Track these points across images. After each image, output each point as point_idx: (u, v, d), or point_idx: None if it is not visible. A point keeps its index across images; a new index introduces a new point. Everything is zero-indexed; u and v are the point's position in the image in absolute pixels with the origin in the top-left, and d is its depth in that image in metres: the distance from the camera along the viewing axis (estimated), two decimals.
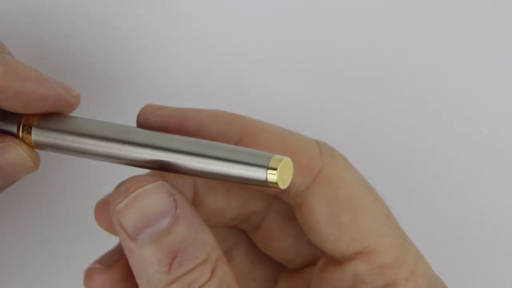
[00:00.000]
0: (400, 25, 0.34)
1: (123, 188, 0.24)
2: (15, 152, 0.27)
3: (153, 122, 0.26)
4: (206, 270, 0.24)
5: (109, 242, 0.35)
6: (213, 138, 0.26)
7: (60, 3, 0.33)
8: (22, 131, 0.27)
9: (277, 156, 0.23)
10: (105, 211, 0.26)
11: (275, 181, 0.22)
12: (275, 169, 0.22)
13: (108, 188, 0.34)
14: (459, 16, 0.34)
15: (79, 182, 0.35)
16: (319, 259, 0.29)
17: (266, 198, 0.29)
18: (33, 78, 0.27)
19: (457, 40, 0.34)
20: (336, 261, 0.28)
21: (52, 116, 0.28)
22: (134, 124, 0.27)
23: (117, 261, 0.27)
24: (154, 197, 0.24)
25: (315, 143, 0.27)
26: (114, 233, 0.26)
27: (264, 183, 0.23)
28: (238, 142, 0.26)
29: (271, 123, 0.27)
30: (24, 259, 0.35)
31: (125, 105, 0.34)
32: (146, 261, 0.24)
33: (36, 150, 0.28)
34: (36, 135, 0.27)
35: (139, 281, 0.24)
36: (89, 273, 0.27)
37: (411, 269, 0.27)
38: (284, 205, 0.29)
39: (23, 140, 0.28)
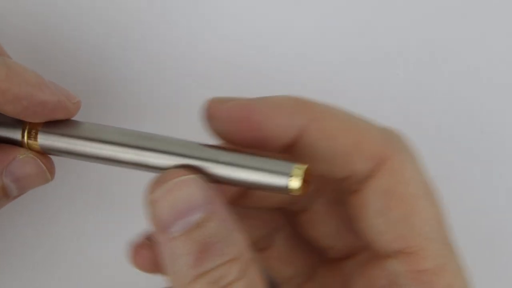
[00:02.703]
0: (400, 25, 0.34)
1: (158, 179, 0.25)
2: (35, 165, 0.28)
3: (219, 116, 0.26)
4: (234, 269, 0.24)
5: (111, 243, 0.35)
6: (278, 127, 0.26)
7: (62, 3, 0.34)
8: (28, 137, 0.28)
9: (298, 165, 0.24)
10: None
11: (297, 187, 0.24)
12: (296, 176, 0.24)
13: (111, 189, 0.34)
14: (459, 16, 0.34)
15: (80, 183, 0.35)
16: (360, 251, 0.29)
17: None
18: (33, 83, 0.27)
19: (458, 40, 0.34)
20: (377, 256, 0.27)
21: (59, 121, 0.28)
22: (138, 126, 0.28)
23: None
24: (188, 190, 0.24)
25: (384, 132, 0.27)
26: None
27: (285, 191, 0.24)
28: (304, 130, 0.26)
29: (338, 108, 0.27)
30: (30, 262, 0.35)
31: (125, 106, 0.35)
32: (175, 253, 0.24)
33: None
34: (43, 140, 0.27)
35: (167, 272, 0.24)
36: (135, 247, 0.27)
37: (449, 281, 0.26)
38: (332, 190, 0.29)
39: (28, 145, 0.28)
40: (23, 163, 0.28)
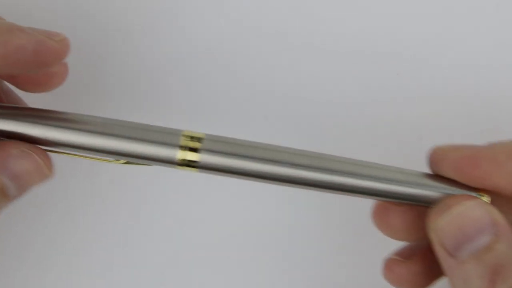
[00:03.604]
0: (400, 25, 0.34)
1: (442, 206, 0.25)
2: (32, 160, 0.26)
3: (445, 165, 0.26)
4: None
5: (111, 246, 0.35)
6: (509, 176, 0.25)
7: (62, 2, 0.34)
8: (186, 156, 0.26)
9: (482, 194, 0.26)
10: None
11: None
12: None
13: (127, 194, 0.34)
14: (459, 16, 0.34)
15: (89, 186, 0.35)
16: None
17: None
18: (4, 29, 0.25)
19: (457, 38, 0.34)
20: None
21: (216, 139, 0.27)
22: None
23: (414, 254, 0.27)
24: (474, 214, 0.24)
25: None
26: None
27: None
28: None
29: None
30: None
31: (125, 105, 0.35)
32: (467, 277, 0.24)
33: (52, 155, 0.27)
34: (206, 158, 0.26)
35: None
36: (388, 264, 0.28)
37: None
38: None
39: (188, 164, 0.26)
40: (18, 158, 0.26)
